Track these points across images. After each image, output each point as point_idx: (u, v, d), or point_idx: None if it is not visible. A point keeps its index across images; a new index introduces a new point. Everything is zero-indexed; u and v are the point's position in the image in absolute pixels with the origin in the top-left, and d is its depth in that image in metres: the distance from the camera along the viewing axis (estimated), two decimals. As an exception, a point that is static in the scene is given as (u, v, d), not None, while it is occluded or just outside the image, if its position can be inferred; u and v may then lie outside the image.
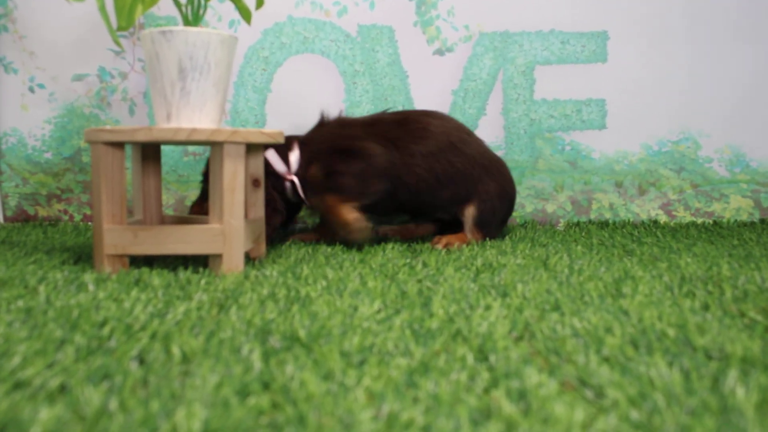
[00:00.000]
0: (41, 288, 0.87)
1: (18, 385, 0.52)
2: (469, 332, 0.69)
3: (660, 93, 1.66)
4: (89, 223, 1.59)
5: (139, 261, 1.09)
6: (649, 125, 1.67)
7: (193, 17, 1.07)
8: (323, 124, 1.35)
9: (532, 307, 0.81)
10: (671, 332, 0.69)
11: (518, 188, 1.64)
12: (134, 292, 0.84)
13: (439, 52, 1.62)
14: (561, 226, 1.64)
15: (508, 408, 0.49)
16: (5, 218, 1.62)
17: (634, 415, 0.49)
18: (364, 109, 1.61)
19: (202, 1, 1.08)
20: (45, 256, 1.14)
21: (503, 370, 0.57)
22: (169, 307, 0.78)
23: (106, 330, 0.68)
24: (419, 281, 0.95)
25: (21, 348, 0.61)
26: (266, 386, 0.53)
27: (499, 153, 1.64)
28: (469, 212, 1.36)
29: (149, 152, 1.15)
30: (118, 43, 1.08)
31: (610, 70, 1.65)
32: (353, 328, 0.69)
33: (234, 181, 1.00)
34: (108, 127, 1.00)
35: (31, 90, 1.57)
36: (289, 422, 0.46)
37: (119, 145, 1.01)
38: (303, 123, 1.49)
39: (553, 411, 0.48)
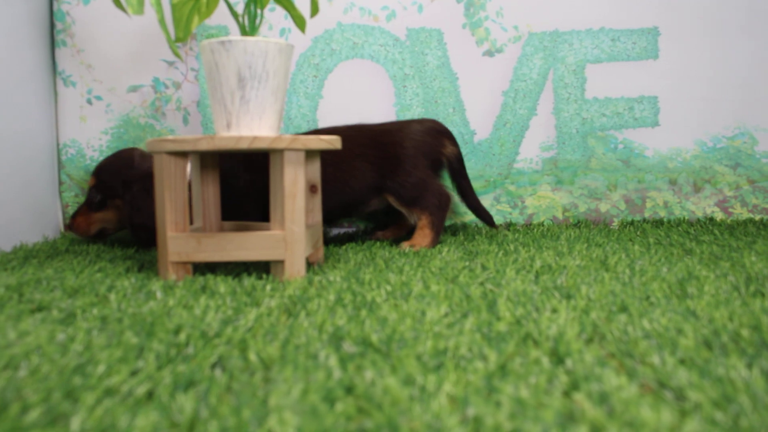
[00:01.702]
0: (111, 296, 0.89)
1: (108, 392, 0.54)
2: (539, 335, 0.69)
3: (714, 88, 1.64)
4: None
5: (202, 268, 1.11)
6: (702, 121, 1.65)
7: (250, 27, 1.08)
8: None
9: (598, 308, 0.81)
10: (745, 333, 0.68)
11: (570, 188, 1.63)
12: (202, 299, 0.86)
13: (489, 53, 1.62)
14: (615, 225, 1.63)
15: (592, 411, 0.49)
16: (65, 227, 1.65)
17: (720, 417, 0.48)
18: (414, 112, 1.62)
19: (259, 11, 1.09)
20: (109, 264, 1.16)
21: (581, 373, 0.57)
22: (239, 313, 0.79)
23: (181, 337, 0.69)
24: (481, 284, 0.95)
25: (103, 355, 0.63)
26: (349, 391, 0.53)
27: (551, 153, 1.63)
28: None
29: (208, 160, 1.17)
30: (177, 54, 1.10)
31: (662, 66, 1.63)
32: (424, 333, 0.69)
33: (294, 188, 1.01)
34: (170, 137, 1.02)
35: (89, 102, 1.60)
36: (380, 428, 0.46)
37: (181, 155, 1.03)
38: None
39: (639, 414, 0.48)
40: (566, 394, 0.53)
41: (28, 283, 0.99)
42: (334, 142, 1.07)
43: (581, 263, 1.11)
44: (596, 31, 1.62)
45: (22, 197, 1.43)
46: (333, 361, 0.60)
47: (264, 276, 1.02)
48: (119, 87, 1.60)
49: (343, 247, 1.36)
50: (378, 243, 1.40)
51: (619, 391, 0.53)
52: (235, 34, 1.60)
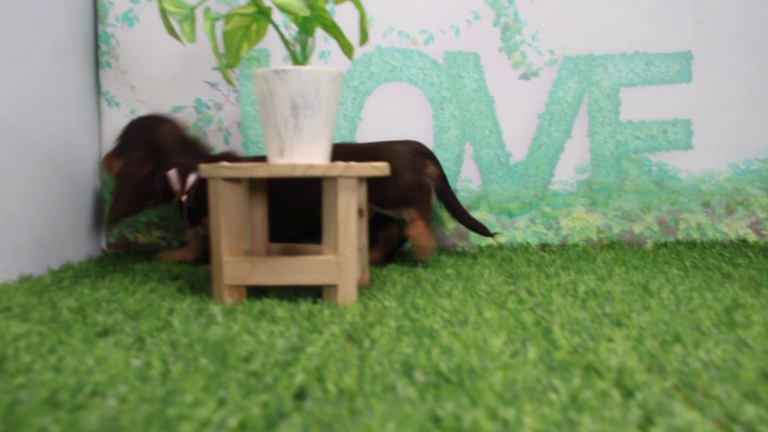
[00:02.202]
0: (174, 320, 0.92)
1: (204, 424, 0.56)
2: (600, 365, 0.71)
3: (747, 111, 1.66)
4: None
5: (254, 290, 1.14)
6: (735, 144, 1.67)
7: (302, 56, 1.11)
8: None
9: (651, 337, 0.83)
10: (804, 365, 0.70)
11: (605, 209, 1.65)
12: (264, 324, 0.88)
13: (525, 76, 1.64)
14: (649, 246, 1.65)
15: (673, 447, 0.51)
16: (108, 245, 1.69)
17: (795, 453, 0.50)
18: (452, 134, 1.64)
19: (309, 41, 1.12)
20: (159, 284, 1.19)
21: (652, 407, 0.59)
22: (304, 340, 0.81)
23: (255, 365, 0.71)
24: (532, 310, 0.98)
25: (185, 384, 0.65)
26: (437, 423, 0.55)
27: (585, 175, 1.66)
28: None
29: (257, 184, 1.19)
30: (230, 81, 1.13)
31: (695, 89, 1.66)
32: (491, 362, 0.71)
33: (347, 214, 1.03)
34: (226, 163, 1.05)
35: (132, 122, 1.63)
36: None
37: (237, 180, 1.06)
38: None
39: (719, 450, 0.50)
40: (642, 428, 0.55)
41: (88, 305, 1.02)
42: (383, 168, 1.10)
43: (624, 288, 1.13)
44: (630, 55, 1.64)
45: (67, 215, 1.46)
46: (412, 392, 0.62)
47: (317, 300, 1.04)
48: (162, 107, 1.64)
49: (385, 269, 1.38)
50: (418, 264, 1.43)
51: (694, 427, 0.55)
52: (276, 58, 1.63)
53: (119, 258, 1.55)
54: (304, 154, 1.07)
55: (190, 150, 1.44)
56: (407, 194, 1.42)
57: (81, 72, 1.56)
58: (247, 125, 1.63)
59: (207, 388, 0.65)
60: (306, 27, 1.11)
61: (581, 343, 0.79)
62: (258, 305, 1.00)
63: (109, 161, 1.50)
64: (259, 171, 1.01)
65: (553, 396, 0.62)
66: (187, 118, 1.64)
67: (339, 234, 1.03)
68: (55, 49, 1.42)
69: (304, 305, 0.99)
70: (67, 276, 1.28)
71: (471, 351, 0.76)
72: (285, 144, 1.06)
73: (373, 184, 1.41)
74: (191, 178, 1.43)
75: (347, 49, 1.18)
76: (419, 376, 0.67)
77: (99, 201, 1.63)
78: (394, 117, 1.63)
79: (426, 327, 0.87)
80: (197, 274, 1.32)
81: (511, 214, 1.66)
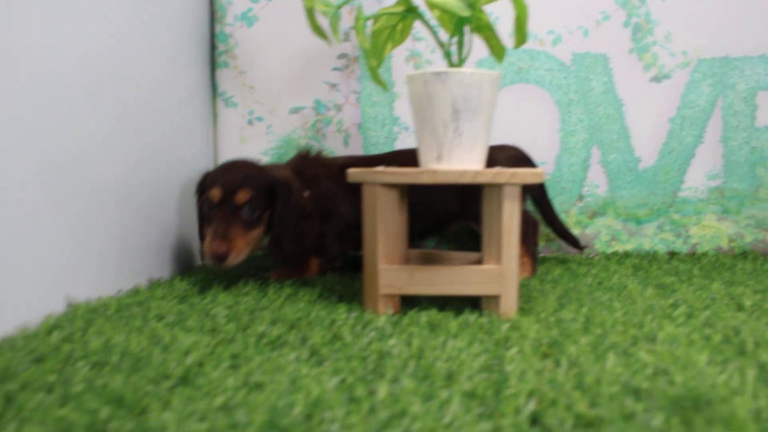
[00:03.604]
0: (344, 332, 0.88)
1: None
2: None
3: None
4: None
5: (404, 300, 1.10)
6: None
7: (459, 59, 1.07)
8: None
9: None
10: None
11: (737, 218, 1.59)
12: (442, 338, 0.85)
13: (656, 79, 1.58)
14: (784, 258, 1.58)
15: None
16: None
17: None
18: (578, 138, 1.59)
19: (466, 43, 1.08)
20: (295, 291, 1.16)
21: None
22: (495, 357, 0.77)
23: (464, 385, 0.67)
24: (709, 325, 0.92)
25: (408, 406, 0.62)
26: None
27: (717, 182, 1.59)
28: None
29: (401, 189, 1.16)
30: (383, 86, 1.10)
31: (836, 93, 1.58)
32: (719, 387, 0.66)
33: (511, 223, 0.99)
34: (384, 168, 1.01)
35: (250, 123, 1.61)
36: None
37: (394, 186, 1.02)
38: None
39: None
40: None
41: (241, 314, 0.99)
42: (542, 175, 1.05)
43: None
44: (769, 56, 1.57)
45: (183, 218, 1.45)
46: (659, 421, 0.58)
47: (476, 311, 1.00)
48: (280, 108, 1.61)
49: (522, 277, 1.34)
50: (558, 273, 1.37)
51: None
52: (399, 60, 1.59)
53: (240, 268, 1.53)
54: (463, 159, 1.03)
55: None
56: None
57: (197, 72, 1.54)
58: (367, 127, 1.60)
59: (429, 411, 0.61)
60: (457, 27, 1.07)
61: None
62: (423, 316, 0.96)
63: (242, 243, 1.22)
64: (423, 177, 0.97)
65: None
66: (306, 119, 1.61)
67: (503, 243, 0.99)
68: (172, 49, 1.40)
69: (471, 317, 0.95)
70: (196, 280, 1.26)
71: (687, 372, 0.71)
72: (443, 149, 1.02)
73: (468, 196, 1.37)
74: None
75: (498, 51, 1.13)
76: (650, 401, 0.63)
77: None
78: (519, 120, 1.58)
79: (618, 343, 0.82)
80: (324, 281, 1.30)
81: (638, 221, 1.60)
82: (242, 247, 1.19)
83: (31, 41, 0.92)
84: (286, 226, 1.25)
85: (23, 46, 0.91)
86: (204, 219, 1.26)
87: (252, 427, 0.57)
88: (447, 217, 1.42)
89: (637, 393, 0.65)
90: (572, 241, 1.52)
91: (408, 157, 1.38)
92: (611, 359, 0.75)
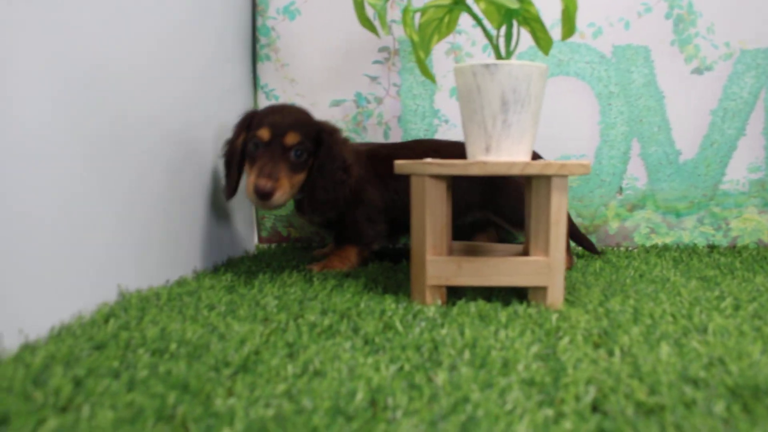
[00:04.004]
0: (395, 321, 0.89)
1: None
2: None
3: None
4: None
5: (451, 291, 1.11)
6: None
7: (506, 51, 1.08)
8: None
9: None
10: None
11: (779, 211, 1.58)
12: (493, 327, 0.85)
13: (698, 71, 1.57)
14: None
15: None
16: (260, 239, 1.69)
17: None
18: (618, 131, 1.59)
19: (514, 36, 1.08)
20: (341, 282, 1.18)
21: None
22: (547, 347, 0.78)
23: (522, 373, 0.68)
24: (758, 317, 0.92)
25: (469, 394, 0.63)
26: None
27: (759, 174, 1.58)
28: None
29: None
30: (430, 77, 1.11)
31: None
32: (760, 373, 0.67)
33: (558, 214, 0.99)
34: (433, 160, 1.02)
35: (291, 115, 1.63)
36: None
37: (442, 177, 1.03)
38: (561, 146, 1.49)
39: None
40: None
41: (290, 305, 1.00)
42: (589, 167, 1.06)
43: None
44: (813, 48, 1.56)
45: (225, 209, 1.47)
46: (720, 409, 0.58)
47: (522, 301, 1.01)
48: (321, 101, 1.63)
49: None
50: (599, 265, 1.38)
51: None
52: (439, 53, 1.60)
53: (279, 252, 1.55)
54: (511, 151, 1.03)
55: None
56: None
57: (238, 65, 1.56)
58: (407, 120, 1.61)
59: (485, 398, 0.62)
60: (506, 19, 1.08)
61: None
62: (471, 307, 0.97)
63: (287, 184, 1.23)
64: (473, 169, 0.98)
65: None
66: (346, 111, 1.62)
67: (551, 235, 0.99)
68: (215, 42, 1.41)
69: (520, 308, 0.96)
70: (241, 271, 1.28)
71: (742, 362, 0.71)
72: (492, 141, 1.03)
73: (490, 188, 1.38)
74: None
75: (545, 44, 1.14)
76: (710, 390, 0.63)
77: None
78: (559, 112, 1.58)
79: (669, 334, 0.83)
80: (368, 273, 1.31)
81: (678, 214, 1.60)
82: (287, 189, 1.20)
83: (95, 32, 0.94)
84: (326, 172, 1.26)
85: (88, 33, 0.93)
86: (245, 157, 1.26)
87: (318, 413, 0.59)
88: (467, 208, 1.43)
89: (695, 382, 0.66)
90: (588, 245, 1.51)
91: (429, 147, 1.42)
92: (665, 349, 0.76)
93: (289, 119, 1.24)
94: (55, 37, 0.86)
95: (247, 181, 1.22)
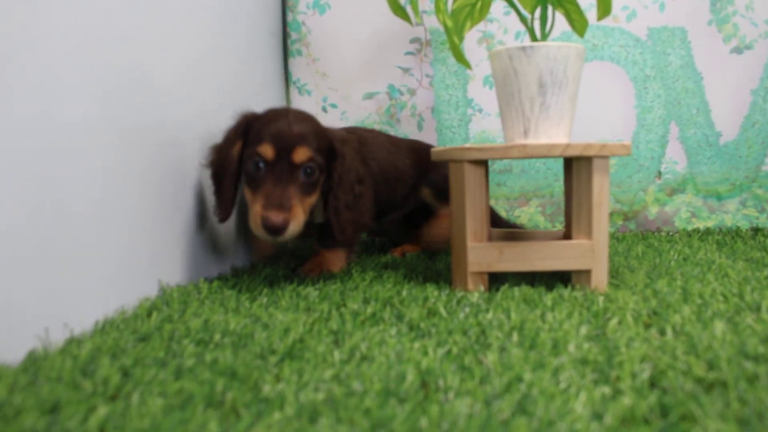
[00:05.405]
0: (439, 307, 0.88)
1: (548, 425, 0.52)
2: None
3: None
4: (376, 239, 1.62)
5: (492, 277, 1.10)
6: None
7: (542, 34, 1.06)
8: None
9: None
10: None
11: (823, 191, 1.55)
12: (539, 311, 0.84)
13: (737, 50, 1.54)
14: None
15: None
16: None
17: None
18: (655, 114, 1.56)
19: (550, 17, 1.07)
20: (378, 272, 1.17)
21: None
22: (597, 328, 0.77)
23: (576, 353, 0.67)
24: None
25: (512, 373, 0.62)
26: None
27: (801, 154, 1.55)
28: None
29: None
30: (465, 63, 1.10)
31: None
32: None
33: (601, 196, 0.98)
34: (472, 145, 1.01)
35: (324, 110, 1.62)
36: None
37: (481, 163, 1.02)
38: (596, 131, 1.47)
39: None
40: None
41: (331, 295, 0.99)
42: (630, 148, 1.04)
43: None
44: None
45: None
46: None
47: (566, 285, 1.00)
48: (354, 94, 1.62)
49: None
50: (641, 249, 1.35)
51: None
52: (471, 41, 1.58)
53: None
54: (550, 134, 1.02)
55: None
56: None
57: (270, 61, 1.56)
58: (440, 110, 1.60)
59: (542, 378, 0.60)
60: (539, 2, 1.06)
61: None
62: (515, 291, 0.95)
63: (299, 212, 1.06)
64: (513, 152, 0.97)
65: None
66: (379, 104, 1.61)
67: (593, 217, 0.98)
68: (247, 39, 1.41)
69: (565, 291, 0.94)
70: (280, 267, 1.28)
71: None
72: (530, 124, 1.01)
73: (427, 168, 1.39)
74: None
75: (579, 25, 1.12)
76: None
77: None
78: (595, 98, 1.56)
79: (722, 312, 0.81)
80: (407, 263, 1.30)
81: (719, 197, 1.57)
82: (301, 218, 1.01)
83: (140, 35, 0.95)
84: (346, 188, 1.08)
85: (130, 26, 0.93)
86: (242, 174, 1.06)
87: (369, 396, 0.58)
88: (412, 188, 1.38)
89: (755, 357, 0.64)
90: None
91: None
92: (719, 326, 0.74)
93: (296, 130, 1.02)
94: (103, 48, 0.86)
95: (252, 210, 1.02)
